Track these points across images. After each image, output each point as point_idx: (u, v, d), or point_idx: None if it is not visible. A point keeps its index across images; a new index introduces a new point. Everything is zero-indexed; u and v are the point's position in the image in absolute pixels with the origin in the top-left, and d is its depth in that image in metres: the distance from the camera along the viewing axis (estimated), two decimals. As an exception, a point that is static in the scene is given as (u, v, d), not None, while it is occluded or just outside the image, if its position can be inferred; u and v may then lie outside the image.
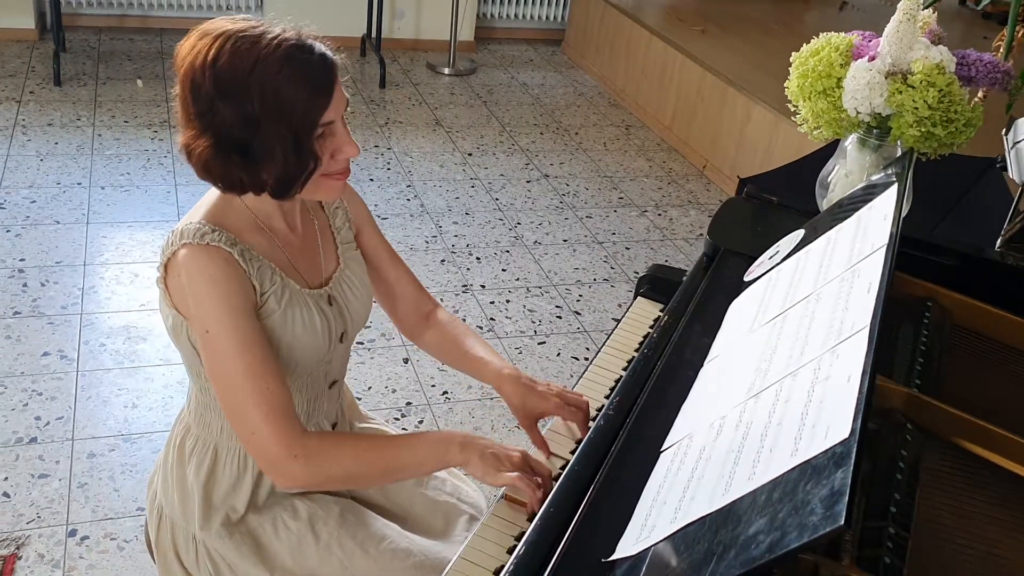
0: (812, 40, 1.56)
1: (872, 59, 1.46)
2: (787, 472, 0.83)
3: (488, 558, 1.18)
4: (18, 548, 2.08)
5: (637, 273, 3.33)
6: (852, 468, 0.76)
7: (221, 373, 1.25)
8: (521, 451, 1.29)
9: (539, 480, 1.25)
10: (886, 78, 1.44)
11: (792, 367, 1.04)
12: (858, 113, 1.47)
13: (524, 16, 5.90)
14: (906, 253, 1.61)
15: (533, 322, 3.09)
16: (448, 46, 5.30)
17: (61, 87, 4.43)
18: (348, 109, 1.27)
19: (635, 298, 1.90)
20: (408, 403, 2.65)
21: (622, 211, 3.94)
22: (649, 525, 0.96)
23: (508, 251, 3.49)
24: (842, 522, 0.70)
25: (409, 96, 4.90)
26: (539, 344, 2.98)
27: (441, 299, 3.09)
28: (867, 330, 0.97)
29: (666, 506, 0.97)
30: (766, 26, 5.27)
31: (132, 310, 2.91)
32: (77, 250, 3.19)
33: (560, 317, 3.13)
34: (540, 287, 3.29)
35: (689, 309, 1.45)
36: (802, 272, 1.32)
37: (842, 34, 1.54)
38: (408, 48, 5.58)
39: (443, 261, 3.38)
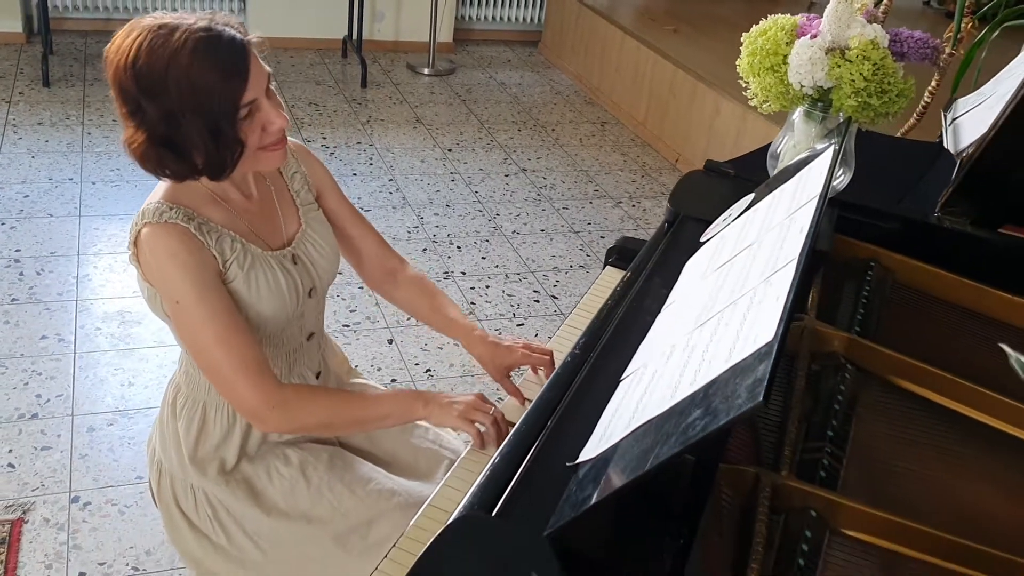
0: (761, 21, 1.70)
1: (814, 37, 1.61)
2: (721, 374, 0.97)
3: (466, 486, 1.30)
4: (24, 513, 2.19)
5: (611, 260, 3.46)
6: (773, 360, 0.89)
7: (194, 340, 1.37)
8: (475, 394, 1.43)
9: (495, 416, 1.39)
10: (826, 54, 1.58)
11: (733, 299, 1.18)
12: (802, 87, 1.61)
13: (501, 18, 6.04)
14: (852, 219, 1.76)
15: (512, 306, 3.23)
16: (427, 47, 5.44)
17: (50, 88, 4.53)
18: (272, 83, 1.33)
19: (604, 267, 2.04)
20: (393, 380, 2.78)
21: (597, 203, 4.09)
22: (607, 434, 1.10)
23: (488, 240, 3.63)
24: (760, 400, 0.84)
25: (390, 95, 5.03)
26: (518, 326, 3.11)
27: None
28: (796, 260, 1.11)
29: (622, 418, 1.10)
30: (736, 25, 5.43)
31: (126, 296, 3.03)
32: (71, 241, 3.29)
33: (538, 301, 3.26)
34: (518, 273, 3.42)
35: (649, 266, 1.59)
36: (748, 227, 1.46)
37: (787, 15, 1.69)
38: (388, 49, 5.72)
39: (424, 250, 3.51)
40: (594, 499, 0.96)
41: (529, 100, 5.21)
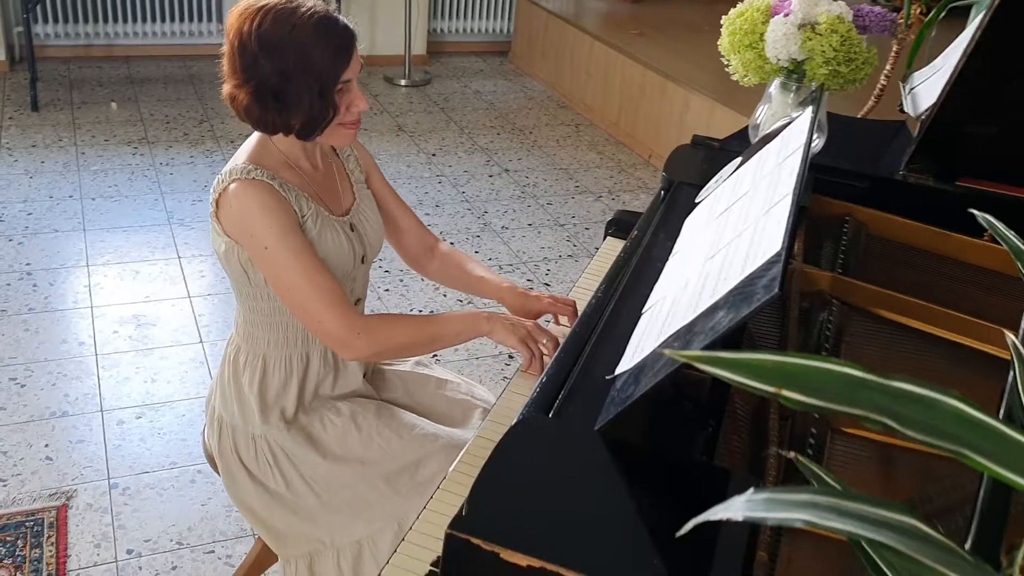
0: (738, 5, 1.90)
1: (787, 15, 1.81)
2: (738, 283, 1.15)
3: (514, 413, 1.47)
4: (68, 500, 2.32)
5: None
6: (783, 263, 1.07)
7: (283, 280, 1.55)
8: (533, 322, 1.62)
9: (545, 350, 1.58)
10: (799, 29, 1.78)
11: (738, 232, 1.36)
12: (778, 60, 1.81)
13: (472, 30, 6.24)
14: (826, 180, 1.96)
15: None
16: (403, 60, 5.61)
17: (39, 112, 4.65)
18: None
19: (605, 238, 2.22)
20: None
21: (579, 197, 4.28)
22: (639, 350, 1.27)
23: (479, 236, 3.80)
24: (777, 291, 1.01)
25: (371, 106, 5.19)
26: (514, 312, 3.28)
27: (423, 278, 3.39)
28: (792, 193, 1.29)
29: (650, 336, 1.28)
30: (697, 27, 5.68)
31: (139, 302, 3.16)
32: (79, 254, 3.42)
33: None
34: (511, 264, 3.60)
35: (653, 224, 1.77)
36: (741, 181, 1.64)
37: (759, 1, 1.88)
38: (365, 64, 5.88)
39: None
40: (637, 394, 1.14)
41: (504, 106, 5.40)
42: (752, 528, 1.06)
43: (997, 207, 0.81)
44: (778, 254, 1.11)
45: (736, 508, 0.72)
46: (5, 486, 2.33)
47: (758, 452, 1.27)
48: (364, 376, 1.80)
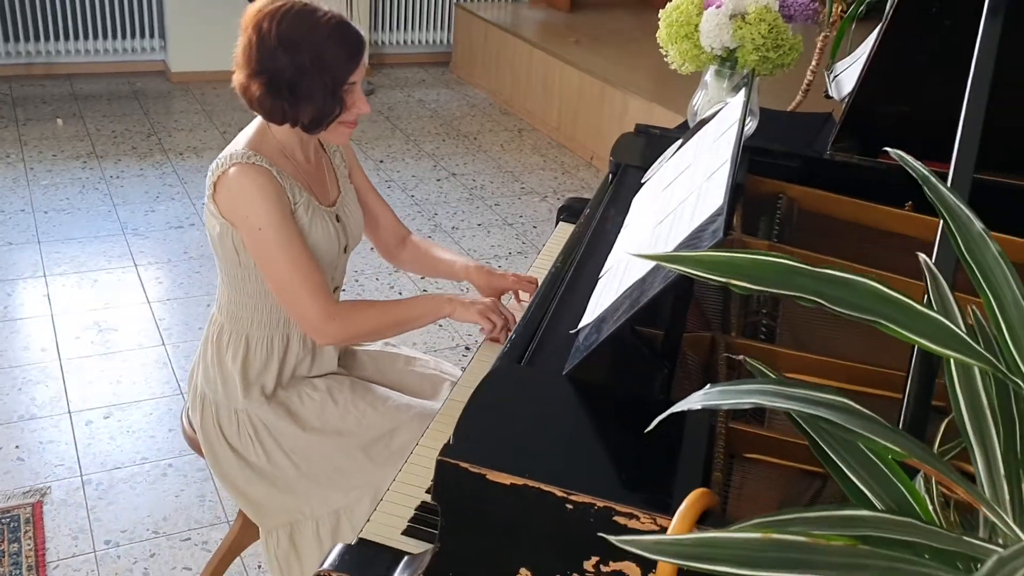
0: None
1: (719, 7, 1.96)
2: (687, 235, 1.28)
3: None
4: (42, 497, 2.36)
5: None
6: (725, 216, 1.21)
7: (271, 262, 1.64)
8: (491, 300, 1.74)
9: (505, 314, 1.70)
10: (730, 19, 1.93)
11: (683, 198, 1.50)
12: (712, 48, 1.96)
13: (412, 41, 6.36)
14: (760, 161, 2.11)
15: (462, 289, 3.51)
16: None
17: (-17, 130, 4.64)
18: (366, 78, 1.71)
19: (557, 223, 2.35)
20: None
21: (525, 198, 4.41)
22: (599, 304, 1.40)
23: (431, 236, 3.91)
24: (722, 235, 1.15)
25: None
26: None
27: (376, 277, 3.49)
28: (730, 159, 1.43)
29: (609, 292, 1.41)
30: (630, 34, 5.88)
31: (99, 308, 3.20)
32: (35, 266, 3.45)
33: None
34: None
35: (604, 201, 1.91)
36: (683, 157, 1.79)
37: (695, -7, 2.04)
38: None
39: (371, 248, 3.76)
40: (600, 340, 1.26)
41: (448, 114, 5.52)
42: (708, 453, 1.18)
43: (912, 179, 0.94)
44: (720, 208, 1.25)
45: (695, 400, 0.85)
46: (-21, 486, 2.38)
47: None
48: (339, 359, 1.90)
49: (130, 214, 3.90)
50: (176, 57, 5.56)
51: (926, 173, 0.92)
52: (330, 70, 1.60)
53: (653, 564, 1.03)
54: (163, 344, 3.03)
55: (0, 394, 2.73)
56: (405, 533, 1.33)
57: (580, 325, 1.40)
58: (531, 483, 1.05)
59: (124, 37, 5.58)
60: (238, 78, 1.65)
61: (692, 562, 0.75)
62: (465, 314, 1.75)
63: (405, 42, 6.34)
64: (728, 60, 2.00)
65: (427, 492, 1.41)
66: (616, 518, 1.04)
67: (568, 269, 1.64)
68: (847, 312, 0.71)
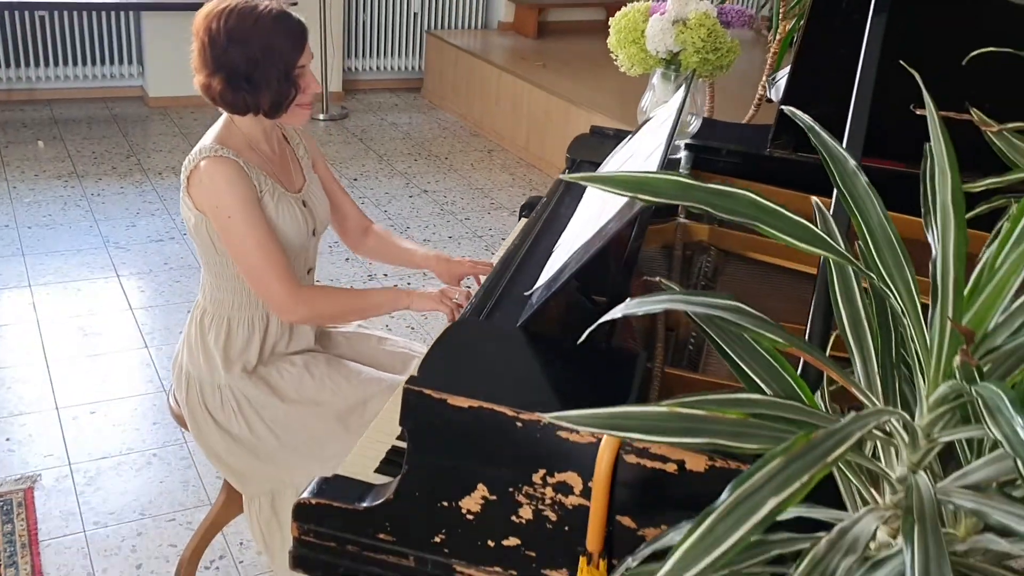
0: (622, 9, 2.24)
1: (663, 15, 2.15)
2: (623, 205, 1.44)
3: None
4: (32, 483, 2.48)
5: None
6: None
7: (241, 247, 1.79)
8: (441, 289, 1.90)
9: (458, 301, 1.86)
10: (672, 25, 2.12)
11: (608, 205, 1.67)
12: (657, 52, 2.14)
13: (385, 68, 6.55)
14: (704, 157, 2.29)
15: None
16: (320, 96, 5.88)
17: (-35, 152, 4.77)
18: (312, 60, 1.86)
19: (520, 219, 2.52)
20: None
21: (495, 213, 4.59)
22: (551, 269, 1.56)
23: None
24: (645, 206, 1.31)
25: (320, 88, 5.45)
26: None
27: (350, 287, 3.63)
28: (664, 140, 1.60)
29: (560, 257, 1.57)
30: (594, 59, 6.10)
31: (83, 315, 3.33)
32: (20, 276, 3.57)
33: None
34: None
35: (559, 191, 2.08)
36: (629, 148, 1.96)
37: (640, 4, 2.23)
38: (283, 102, 6.12)
39: (347, 259, 3.92)
40: (550, 294, 1.42)
41: (420, 136, 5.71)
42: (642, 388, 1.34)
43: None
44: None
45: (617, 311, 1.01)
46: (-30, 475, 2.49)
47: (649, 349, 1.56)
48: (315, 337, 2.04)
49: (111, 229, 4.03)
50: (153, 82, 5.72)
51: (812, 124, 1.09)
52: (280, 57, 1.75)
53: (591, 473, 1.18)
54: (146, 347, 3.16)
55: (-11, 393, 2.85)
56: (377, 471, 1.47)
57: (534, 288, 1.56)
58: (486, 405, 1.21)
59: (103, 63, 5.73)
60: (199, 80, 1.80)
61: (608, 431, 0.91)
62: (422, 303, 1.89)
63: (377, 68, 6.53)
64: (672, 63, 2.19)
65: (397, 439, 1.56)
66: (559, 432, 1.19)
67: (525, 243, 1.80)
68: (731, 217, 0.88)
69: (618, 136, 2.41)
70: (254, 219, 1.78)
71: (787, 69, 2.63)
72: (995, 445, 0.92)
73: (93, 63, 5.70)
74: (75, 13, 5.53)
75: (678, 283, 1.72)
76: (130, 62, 5.79)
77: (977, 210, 1.30)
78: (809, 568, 0.84)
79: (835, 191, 1.01)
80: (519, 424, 1.20)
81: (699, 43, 2.10)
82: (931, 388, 0.88)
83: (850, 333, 1.00)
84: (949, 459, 1.00)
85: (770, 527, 0.78)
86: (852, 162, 1.02)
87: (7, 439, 2.64)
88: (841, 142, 1.16)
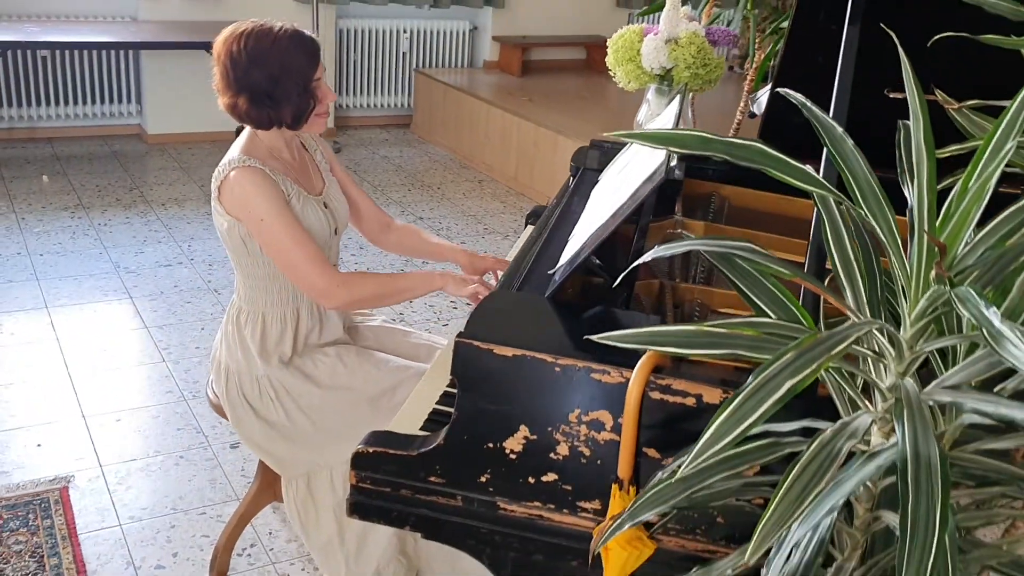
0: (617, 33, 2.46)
1: (656, 34, 2.37)
2: (636, 187, 1.63)
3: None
4: (67, 483, 2.61)
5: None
6: (665, 165, 1.56)
7: (277, 245, 1.96)
8: (478, 277, 2.07)
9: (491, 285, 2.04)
10: (665, 44, 2.34)
11: (631, 176, 1.86)
12: (652, 68, 2.36)
13: (375, 105, 6.77)
14: (694, 167, 2.50)
15: (435, 312, 3.84)
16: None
17: (-27, 187, 4.91)
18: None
19: (526, 226, 2.71)
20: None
21: (489, 237, 4.78)
22: (569, 251, 1.74)
23: (403, 268, 4.25)
24: (663, 175, 1.50)
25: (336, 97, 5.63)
26: (443, 326, 3.72)
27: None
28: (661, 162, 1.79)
29: (578, 240, 1.75)
30: (578, 93, 6.37)
31: (101, 333, 3.47)
32: (36, 299, 3.70)
33: (456, 308, 3.89)
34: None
35: (568, 192, 2.27)
36: (629, 154, 2.16)
37: (635, 27, 2.45)
38: (277, 138, 6.32)
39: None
40: (572, 268, 1.60)
41: (412, 168, 5.91)
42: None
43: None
44: (662, 164, 1.61)
45: (648, 255, 1.19)
46: (9, 476, 2.61)
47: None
48: (344, 330, 2.21)
49: (121, 255, 4.18)
50: (152, 119, 5.90)
51: (808, 104, 1.29)
52: (297, 73, 1.93)
53: (620, 410, 1.36)
54: (164, 361, 3.30)
55: (21, 403, 2.97)
56: (422, 429, 1.64)
57: (556, 267, 1.74)
58: (528, 353, 1.39)
59: (102, 102, 5.90)
60: (224, 101, 1.98)
61: (649, 345, 1.09)
62: (457, 288, 2.06)
63: (369, 105, 6.75)
64: (665, 79, 2.40)
65: (436, 404, 1.73)
66: (593, 375, 1.37)
67: (542, 234, 1.99)
68: (744, 163, 1.07)
69: (615, 147, 2.61)
70: (286, 218, 1.95)
71: (767, 88, 2.87)
72: (968, 353, 1.11)
73: (92, 102, 5.87)
74: (76, 53, 5.71)
75: (679, 274, 1.91)
76: (128, 100, 5.97)
77: (945, 182, 1.51)
78: (818, 449, 1.02)
79: (825, 152, 1.20)
80: (557, 369, 1.38)
81: (690, 59, 2.31)
82: (912, 305, 1.07)
83: (840, 267, 1.19)
84: (929, 380, 1.18)
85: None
86: (839, 128, 1.22)
87: (38, 445, 2.77)
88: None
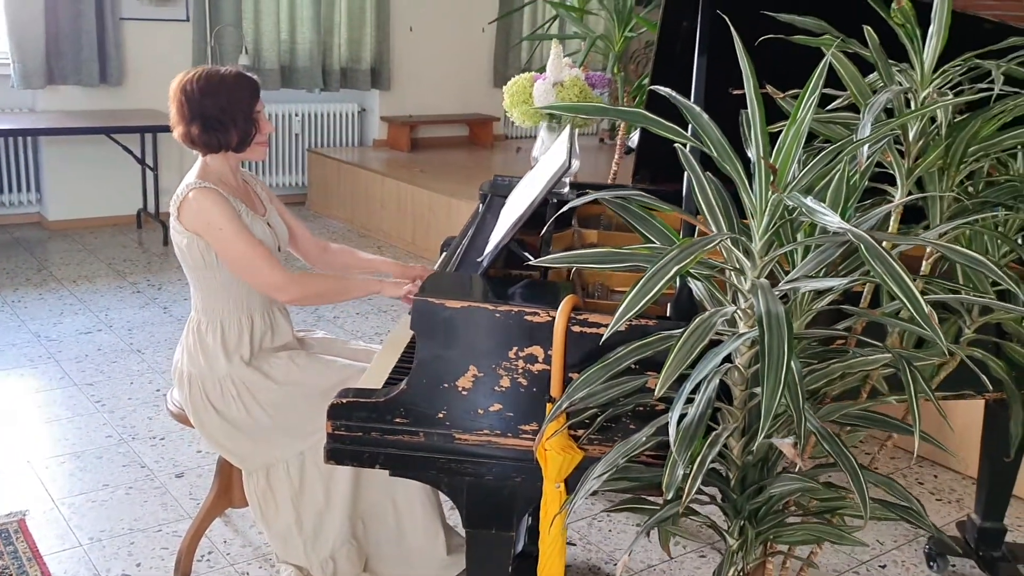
0: (512, 80, 2.88)
1: (544, 79, 2.80)
2: (544, 183, 2.02)
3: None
4: (23, 515, 2.76)
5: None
6: (568, 160, 1.96)
7: (235, 250, 2.26)
8: (409, 281, 2.42)
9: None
10: (553, 87, 2.78)
11: (533, 188, 2.25)
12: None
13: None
14: (585, 193, 2.92)
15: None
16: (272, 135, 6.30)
17: None
18: (264, 108, 2.40)
19: (440, 254, 3.06)
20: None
21: (393, 293, 5.11)
22: (491, 243, 2.11)
23: (315, 324, 4.52)
24: (567, 165, 1.89)
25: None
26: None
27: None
28: (564, 157, 2.20)
29: (496, 236, 2.12)
30: (465, 164, 6.83)
31: (30, 392, 3.60)
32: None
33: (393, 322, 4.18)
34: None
35: (481, 213, 2.65)
36: (530, 176, 2.56)
37: (527, 74, 2.89)
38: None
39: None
40: (497, 250, 1.97)
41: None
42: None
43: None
44: (562, 166, 2.01)
45: (554, 260, 1.57)
46: (-36, 514, 2.75)
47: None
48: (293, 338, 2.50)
49: (40, 326, 4.32)
50: (53, 207, 6.03)
51: (672, 93, 1.71)
52: (241, 104, 2.29)
53: (550, 344, 1.71)
54: (99, 412, 3.47)
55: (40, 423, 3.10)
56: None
57: (482, 255, 2.11)
58: (473, 304, 1.74)
59: (2, 192, 6.00)
60: (179, 131, 2.32)
61: (572, 264, 1.46)
62: (392, 292, 2.40)
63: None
64: (554, 117, 2.84)
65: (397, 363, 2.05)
66: (526, 317, 1.72)
67: (464, 239, 2.35)
68: (632, 121, 1.47)
69: (514, 181, 3.02)
70: (240, 226, 2.26)
71: (638, 130, 3.35)
72: (803, 256, 1.52)
73: (-10, 192, 5.98)
74: (-27, 145, 5.83)
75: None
76: (28, 189, 6.09)
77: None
78: (700, 322, 1.41)
79: (690, 125, 1.61)
80: (497, 315, 1.73)
81: (574, 99, 2.76)
82: (759, 221, 1.48)
83: (703, 202, 1.59)
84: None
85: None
86: (697, 108, 1.64)
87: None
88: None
